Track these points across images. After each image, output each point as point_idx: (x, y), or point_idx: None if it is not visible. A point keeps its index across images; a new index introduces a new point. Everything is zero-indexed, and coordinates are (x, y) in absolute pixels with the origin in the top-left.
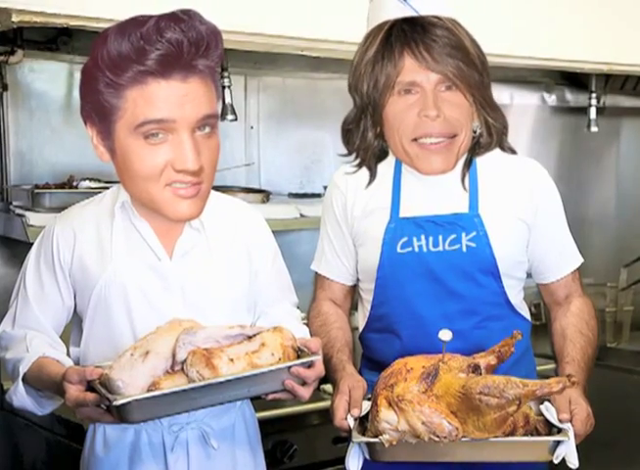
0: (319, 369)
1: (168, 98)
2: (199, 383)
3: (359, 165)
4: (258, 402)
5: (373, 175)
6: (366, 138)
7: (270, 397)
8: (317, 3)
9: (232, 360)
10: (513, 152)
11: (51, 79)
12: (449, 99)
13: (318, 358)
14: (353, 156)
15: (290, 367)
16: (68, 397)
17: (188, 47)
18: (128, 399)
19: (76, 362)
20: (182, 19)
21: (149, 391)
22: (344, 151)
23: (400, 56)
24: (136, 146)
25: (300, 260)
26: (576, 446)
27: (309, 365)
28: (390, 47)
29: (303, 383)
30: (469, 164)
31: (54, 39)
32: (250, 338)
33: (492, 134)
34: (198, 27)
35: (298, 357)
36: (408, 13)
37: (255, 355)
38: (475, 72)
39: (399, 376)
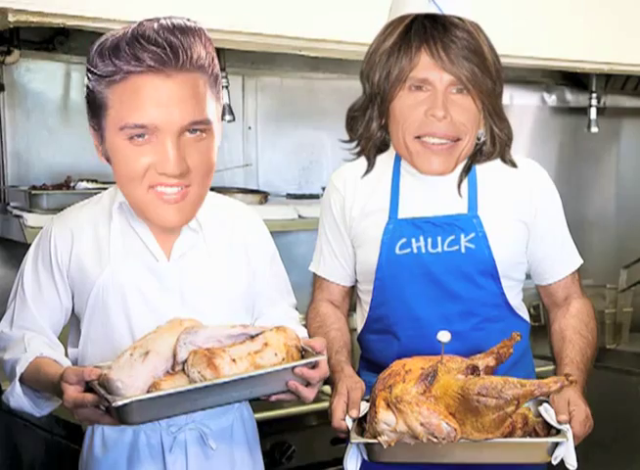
0: (324, 370)
1: (153, 102)
2: (200, 384)
3: (359, 154)
4: (256, 403)
5: (371, 166)
6: (370, 127)
7: (273, 398)
8: (315, 3)
9: (234, 361)
10: (513, 165)
11: (48, 79)
12: (459, 102)
13: (323, 359)
14: (354, 143)
15: (294, 368)
16: (65, 398)
17: (181, 51)
18: (128, 400)
19: (74, 363)
20: (179, 24)
21: (149, 392)
22: (343, 153)
23: (417, 51)
24: (122, 146)
25: (299, 262)
26: (575, 448)
27: (314, 366)
28: (409, 41)
29: (307, 384)
30: (467, 170)
31: (50, 39)
32: (252, 338)
33: (496, 144)
34: (190, 33)
35: (302, 358)
36: (432, 10)
37: (258, 356)
38: (488, 80)
39: (398, 377)
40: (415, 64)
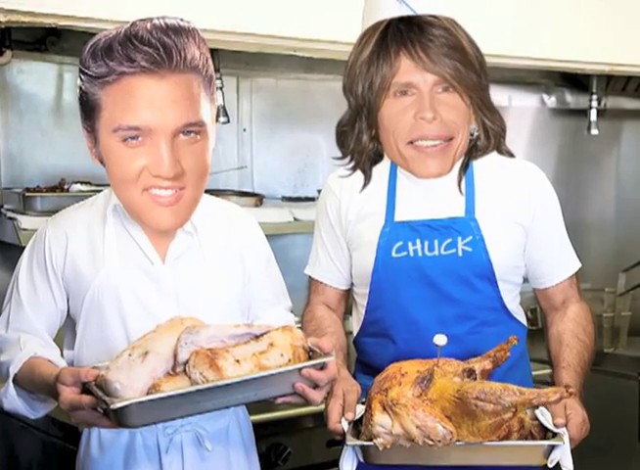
0: (332, 371)
1: (146, 103)
2: (202, 385)
3: (354, 169)
4: (252, 405)
5: (368, 179)
6: (361, 141)
7: (279, 400)
8: (309, 2)
9: (238, 361)
10: (511, 155)
11: (40, 81)
12: (446, 101)
13: (331, 359)
14: (348, 159)
15: (301, 369)
16: (61, 399)
17: (174, 52)
18: (127, 402)
19: (70, 365)
20: (172, 24)
21: (148, 393)
22: (339, 153)
23: (396, 56)
24: (116, 148)
25: (294, 265)
26: (571, 451)
27: (321, 367)
28: (386, 47)
29: (315, 386)
30: (465, 167)
31: (42, 40)
32: (257, 337)
33: (490, 137)
34: (183, 33)
35: (310, 358)
36: (405, 12)
37: (263, 356)
38: (472, 74)
39: (394, 380)
40: (396, 69)
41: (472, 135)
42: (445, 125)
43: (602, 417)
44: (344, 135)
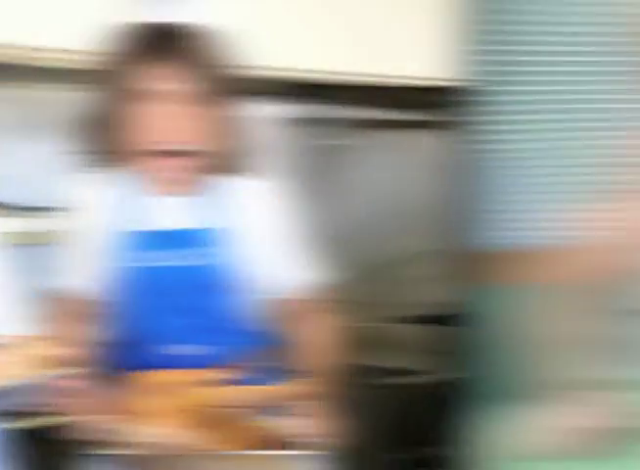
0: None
1: None
2: None
3: (93, 169)
4: None
5: (105, 181)
6: (107, 140)
7: None
8: (38, 10)
9: None
10: (253, 177)
11: None
12: (191, 113)
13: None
14: (88, 158)
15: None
16: None
17: None
18: None
19: None
20: None
21: None
22: (64, 165)
23: (148, 62)
24: None
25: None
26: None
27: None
28: (137, 52)
29: None
30: (204, 184)
31: None
32: None
33: (232, 157)
34: None
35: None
36: (162, 17)
37: None
38: (221, 90)
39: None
40: (144, 75)
41: (215, 153)
42: (187, 138)
43: None
44: (91, 132)
